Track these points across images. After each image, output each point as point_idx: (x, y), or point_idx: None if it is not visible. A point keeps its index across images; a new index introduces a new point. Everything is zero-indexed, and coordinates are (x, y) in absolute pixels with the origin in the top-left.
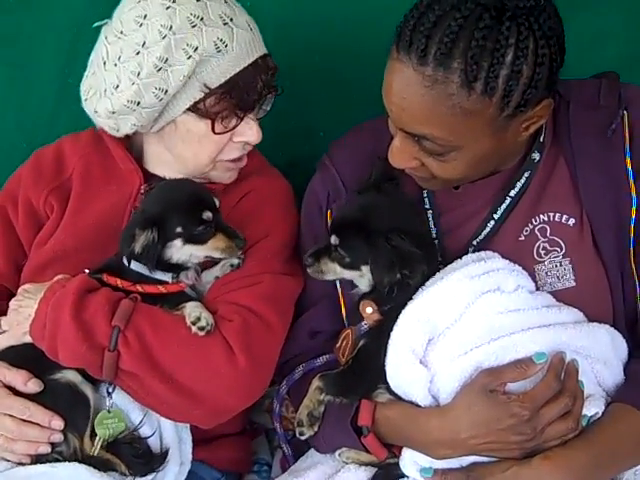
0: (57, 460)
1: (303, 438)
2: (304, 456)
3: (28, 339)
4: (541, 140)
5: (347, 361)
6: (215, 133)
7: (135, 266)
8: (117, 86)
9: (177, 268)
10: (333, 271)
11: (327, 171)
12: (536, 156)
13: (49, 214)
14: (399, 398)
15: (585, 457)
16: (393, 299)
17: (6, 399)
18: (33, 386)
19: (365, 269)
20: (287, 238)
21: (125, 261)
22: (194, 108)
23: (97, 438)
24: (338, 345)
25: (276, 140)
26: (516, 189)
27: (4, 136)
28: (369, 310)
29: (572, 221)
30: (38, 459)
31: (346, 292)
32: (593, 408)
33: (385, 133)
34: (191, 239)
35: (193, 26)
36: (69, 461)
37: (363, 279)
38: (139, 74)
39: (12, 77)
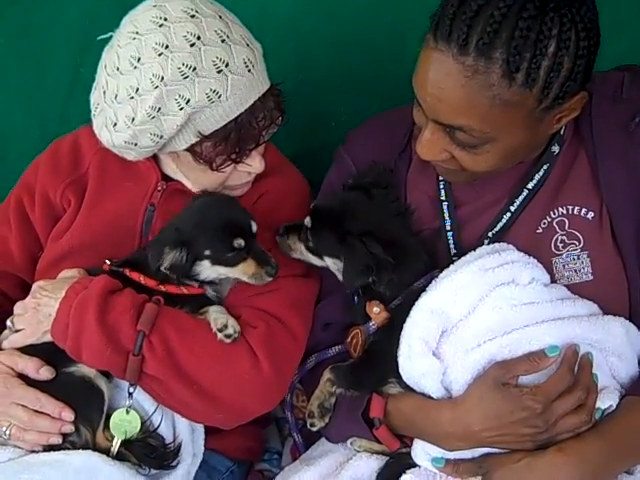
0: (69, 449)
1: (314, 429)
2: (315, 444)
3: (48, 338)
4: (561, 133)
5: (358, 354)
6: (213, 170)
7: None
8: (115, 124)
9: (205, 281)
10: (299, 251)
11: (343, 162)
12: (555, 149)
13: (66, 208)
14: (411, 391)
15: (598, 449)
16: (399, 295)
17: (18, 389)
18: (45, 373)
19: (329, 261)
20: None
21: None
22: (191, 150)
23: (115, 440)
24: (349, 340)
25: (288, 130)
26: (534, 181)
27: (16, 126)
28: (376, 310)
29: (591, 214)
30: (51, 447)
31: None
32: (607, 401)
33: (401, 125)
34: (220, 262)
35: (185, 77)
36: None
37: (332, 269)
38: (133, 120)
39: (24, 67)
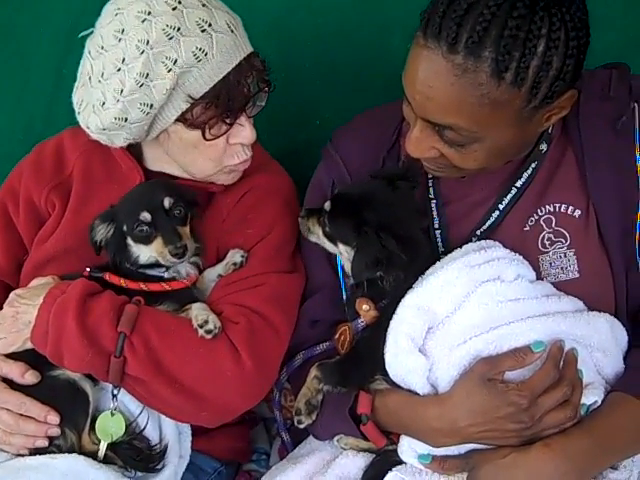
0: (54, 452)
1: (301, 426)
2: (302, 443)
3: (29, 345)
4: (549, 131)
5: (345, 351)
6: (207, 140)
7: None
8: (103, 103)
9: (155, 266)
10: (317, 234)
11: (331, 159)
12: (544, 147)
13: (50, 212)
14: (398, 387)
15: (584, 445)
16: (388, 294)
17: (3, 393)
18: (30, 378)
19: (342, 248)
20: (289, 234)
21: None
22: (182, 118)
23: (102, 443)
24: (337, 337)
25: (272, 129)
26: (522, 179)
27: (1, 128)
28: (365, 308)
29: (578, 212)
30: (37, 451)
31: (347, 281)
32: (592, 397)
33: (389, 122)
34: (135, 238)
35: (170, 38)
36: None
37: (343, 258)
38: (122, 91)
39: (8, 69)
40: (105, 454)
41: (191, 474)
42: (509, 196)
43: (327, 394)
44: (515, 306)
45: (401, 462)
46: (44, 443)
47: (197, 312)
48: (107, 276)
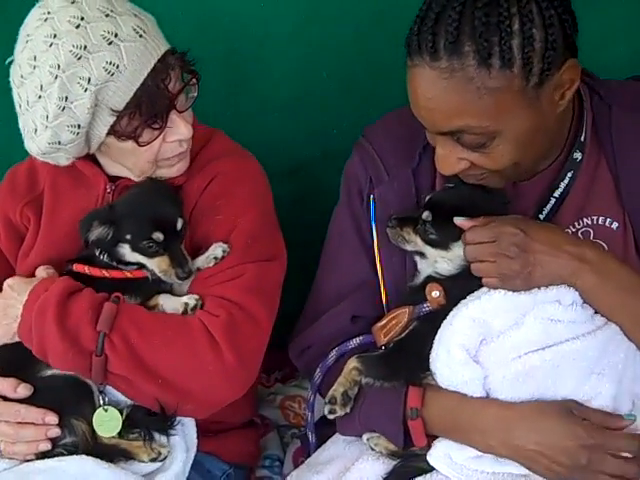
0: (63, 454)
1: (332, 417)
2: (320, 448)
3: (18, 338)
4: (582, 139)
5: (389, 343)
6: (141, 146)
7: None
8: (35, 130)
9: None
10: (414, 242)
11: (367, 154)
12: (578, 155)
13: (27, 226)
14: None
15: None
16: (460, 287)
17: None
18: (23, 391)
19: (456, 247)
20: (261, 220)
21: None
22: (113, 131)
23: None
24: (383, 324)
25: (289, 138)
26: (560, 189)
27: None
28: (435, 294)
29: (615, 225)
30: (45, 454)
31: (387, 279)
32: None
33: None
34: (137, 249)
35: (79, 58)
36: (81, 451)
37: (443, 260)
38: (48, 117)
39: None
40: (124, 423)
41: (199, 476)
42: (548, 206)
43: (367, 386)
44: (571, 326)
45: (424, 470)
46: (47, 446)
47: (170, 304)
48: (74, 266)
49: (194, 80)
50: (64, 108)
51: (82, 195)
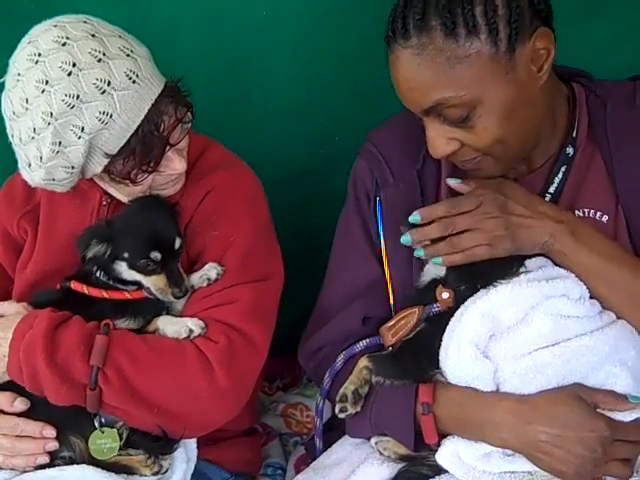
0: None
1: (343, 415)
2: (327, 452)
3: (8, 378)
4: (574, 135)
5: (397, 343)
6: (136, 184)
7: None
8: (29, 165)
9: (134, 284)
10: None
11: (372, 157)
12: (570, 150)
13: (25, 238)
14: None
15: None
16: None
17: None
18: (20, 405)
19: None
20: (256, 237)
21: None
22: (107, 170)
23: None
24: (391, 324)
25: (292, 144)
26: (555, 184)
27: None
28: (445, 295)
29: (605, 218)
30: (42, 466)
31: (394, 280)
32: None
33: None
34: (134, 267)
35: (72, 107)
36: (77, 463)
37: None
38: (41, 159)
39: None
40: (126, 441)
41: None
42: None
43: (377, 385)
44: (580, 322)
45: (428, 476)
46: (45, 460)
47: (170, 328)
48: (72, 284)
49: (189, 115)
50: (58, 152)
51: (78, 206)
